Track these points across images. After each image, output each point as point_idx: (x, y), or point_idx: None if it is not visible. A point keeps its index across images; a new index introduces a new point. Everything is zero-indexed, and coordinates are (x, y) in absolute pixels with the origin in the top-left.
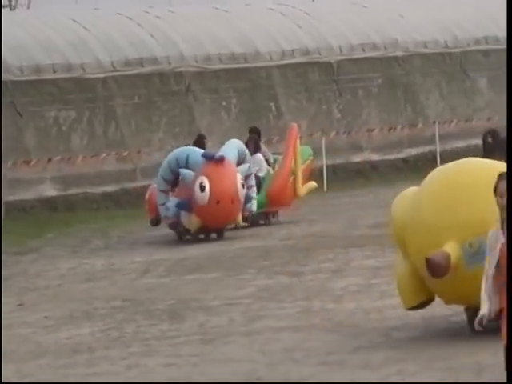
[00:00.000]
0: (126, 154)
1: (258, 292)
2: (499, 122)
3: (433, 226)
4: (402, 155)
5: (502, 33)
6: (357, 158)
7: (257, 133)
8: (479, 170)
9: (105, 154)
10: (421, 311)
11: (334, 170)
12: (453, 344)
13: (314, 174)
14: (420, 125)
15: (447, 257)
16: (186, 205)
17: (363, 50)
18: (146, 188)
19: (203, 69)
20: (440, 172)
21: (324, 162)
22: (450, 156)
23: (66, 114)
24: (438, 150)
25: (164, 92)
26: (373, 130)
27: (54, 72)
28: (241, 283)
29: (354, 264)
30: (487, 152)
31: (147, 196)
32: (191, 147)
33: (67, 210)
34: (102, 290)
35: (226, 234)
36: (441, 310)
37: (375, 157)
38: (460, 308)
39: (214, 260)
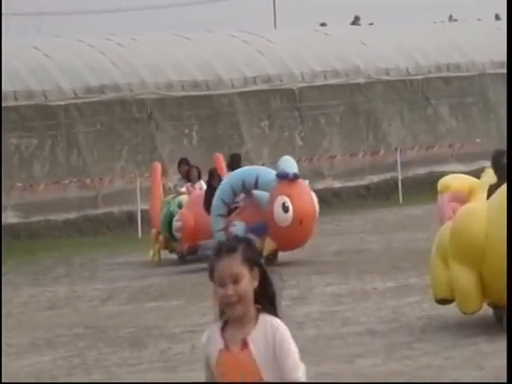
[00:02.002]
0: (88, 181)
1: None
2: (460, 149)
3: None
4: (364, 182)
5: (464, 59)
6: (319, 185)
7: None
8: None
9: (67, 181)
10: (382, 338)
11: None
12: (415, 370)
13: None
14: (382, 152)
15: None
16: (262, 228)
17: (325, 77)
18: (107, 215)
19: (165, 96)
20: None
21: None
22: (411, 183)
23: (27, 141)
24: (399, 177)
25: (126, 119)
26: (335, 156)
27: (16, 99)
28: (203, 310)
29: (316, 291)
30: (503, 172)
31: (180, 224)
32: (256, 167)
33: (29, 238)
34: (64, 318)
35: (188, 261)
36: (401, 338)
37: (337, 184)
38: (421, 335)
39: (176, 287)
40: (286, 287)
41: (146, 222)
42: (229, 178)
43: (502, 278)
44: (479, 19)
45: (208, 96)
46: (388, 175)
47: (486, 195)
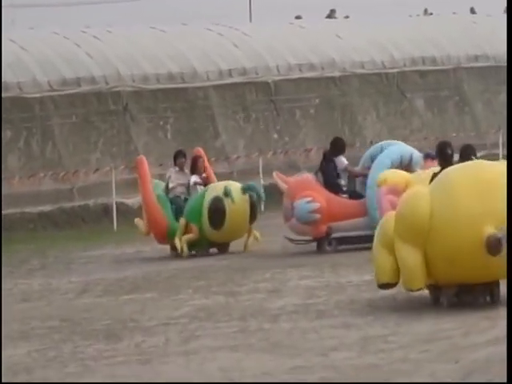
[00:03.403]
0: (63, 174)
1: (194, 312)
2: (435, 142)
3: (471, 215)
4: None
5: (439, 53)
6: None
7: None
8: (496, 168)
9: (42, 174)
10: (357, 331)
11: (271, 189)
12: (389, 363)
13: None
14: (357, 145)
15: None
16: None
17: (300, 70)
18: (83, 208)
19: (140, 88)
20: (462, 171)
21: (261, 182)
22: None
23: (2, 133)
24: None
25: (101, 112)
26: (310, 149)
27: None
28: (177, 303)
29: (291, 284)
30: (447, 162)
31: (317, 205)
32: (408, 147)
33: (4, 230)
34: (39, 310)
35: (161, 254)
36: (377, 330)
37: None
38: (396, 328)
39: (150, 280)
40: (260, 280)
41: (121, 215)
42: (388, 154)
43: (446, 257)
44: (454, 13)
45: (183, 89)
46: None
47: (424, 185)
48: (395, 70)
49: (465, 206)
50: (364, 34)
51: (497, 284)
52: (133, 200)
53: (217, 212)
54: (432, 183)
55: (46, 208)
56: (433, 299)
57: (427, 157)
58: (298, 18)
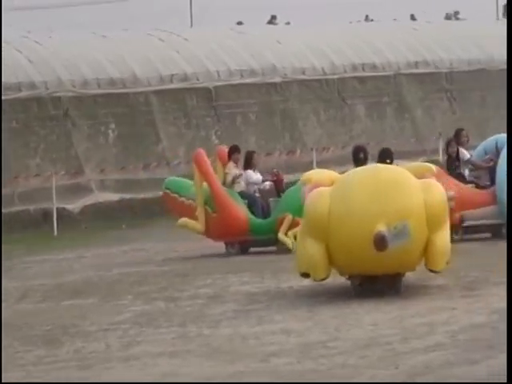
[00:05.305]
0: (3, 179)
1: (135, 317)
2: (375, 147)
3: (365, 214)
4: None
5: (379, 59)
6: None
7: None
8: (392, 171)
9: None
10: (298, 336)
11: None
12: (329, 369)
13: None
14: (298, 151)
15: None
16: None
17: (241, 76)
18: (23, 213)
19: (81, 94)
20: (360, 173)
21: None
22: None
23: None
24: None
25: (42, 117)
26: None
27: None
28: (118, 309)
29: (231, 289)
30: (360, 165)
31: (453, 193)
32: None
33: None
34: None
35: (103, 259)
36: (316, 336)
37: None
38: (336, 333)
39: (91, 285)
40: (201, 286)
41: (62, 220)
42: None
43: (343, 250)
44: (395, 19)
45: (124, 94)
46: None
47: None
48: (336, 76)
49: (359, 205)
50: (305, 40)
51: (399, 276)
52: (73, 205)
53: None
54: (334, 184)
55: None
56: (354, 291)
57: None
58: (239, 23)
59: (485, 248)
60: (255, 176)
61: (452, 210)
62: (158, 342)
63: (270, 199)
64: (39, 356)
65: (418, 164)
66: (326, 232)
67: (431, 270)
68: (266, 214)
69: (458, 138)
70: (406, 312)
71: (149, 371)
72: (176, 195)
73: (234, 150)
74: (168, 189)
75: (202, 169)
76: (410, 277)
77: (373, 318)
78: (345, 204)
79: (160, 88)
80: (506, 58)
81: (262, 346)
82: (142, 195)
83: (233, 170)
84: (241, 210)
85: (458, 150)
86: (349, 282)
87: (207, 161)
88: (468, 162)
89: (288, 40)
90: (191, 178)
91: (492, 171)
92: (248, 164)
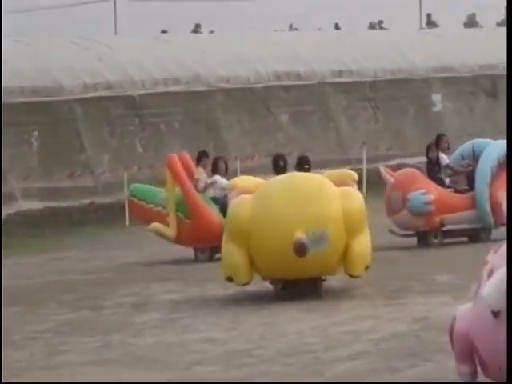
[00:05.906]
0: None
1: (58, 326)
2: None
3: (285, 220)
4: None
5: (304, 68)
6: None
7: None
8: (311, 179)
9: None
10: (222, 345)
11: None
12: (253, 377)
13: (114, 209)
14: None
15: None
16: None
17: (166, 85)
18: None
19: (4, 102)
20: (280, 181)
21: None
22: None
23: None
24: None
25: None
26: None
27: None
28: (41, 317)
29: (155, 298)
30: (280, 173)
31: (432, 197)
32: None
33: None
34: None
35: (27, 268)
36: (241, 345)
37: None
38: (260, 342)
39: (14, 294)
40: (125, 294)
41: None
42: (494, 146)
43: (264, 256)
44: (319, 28)
45: (47, 102)
46: None
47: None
48: (260, 85)
49: (278, 212)
50: (229, 49)
51: (320, 281)
52: None
53: None
54: (256, 191)
55: None
56: (276, 293)
57: None
58: (163, 32)
59: (409, 257)
60: (224, 181)
61: (432, 214)
62: (82, 350)
63: None
64: None
65: (341, 171)
66: (248, 238)
67: (350, 275)
68: None
69: (438, 143)
70: (330, 320)
71: (72, 380)
72: (143, 202)
73: (202, 155)
74: (134, 196)
75: (175, 174)
76: (334, 285)
77: (297, 327)
78: (265, 211)
79: (84, 96)
80: (428, 66)
81: (186, 354)
82: (66, 203)
83: (203, 175)
84: (215, 214)
85: (438, 154)
86: (272, 287)
87: (180, 165)
88: (447, 166)
89: (212, 49)
90: (115, 186)
91: (470, 176)
92: (215, 169)
